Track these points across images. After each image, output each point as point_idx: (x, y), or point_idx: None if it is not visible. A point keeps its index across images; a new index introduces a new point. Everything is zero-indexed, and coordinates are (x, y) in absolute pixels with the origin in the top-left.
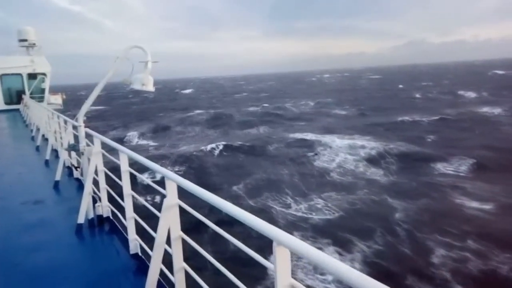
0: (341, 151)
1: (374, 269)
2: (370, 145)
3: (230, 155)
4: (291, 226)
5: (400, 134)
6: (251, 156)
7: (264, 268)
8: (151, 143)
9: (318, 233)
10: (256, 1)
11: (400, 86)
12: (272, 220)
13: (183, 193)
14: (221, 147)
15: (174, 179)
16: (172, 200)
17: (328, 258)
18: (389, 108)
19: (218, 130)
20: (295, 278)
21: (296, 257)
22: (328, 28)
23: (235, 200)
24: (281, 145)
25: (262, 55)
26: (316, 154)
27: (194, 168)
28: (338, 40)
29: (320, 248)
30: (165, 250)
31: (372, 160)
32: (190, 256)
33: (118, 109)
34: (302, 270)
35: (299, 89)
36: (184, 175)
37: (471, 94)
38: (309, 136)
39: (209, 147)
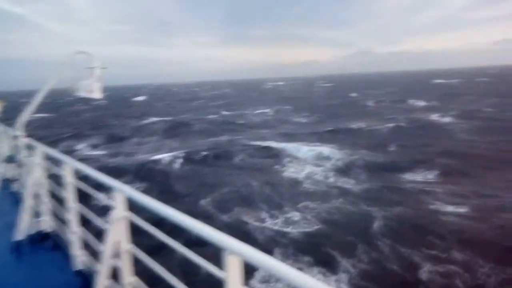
0: (308, 159)
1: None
2: (336, 153)
3: (193, 165)
4: (270, 243)
5: (362, 141)
6: (215, 166)
7: (216, 278)
8: (105, 153)
9: (299, 250)
10: (210, 8)
11: (354, 94)
12: (249, 237)
13: (132, 205)
14: (182, 157)
15: (122, 190)
16: (120, 212)
17: (280, 265)
18: (346, 115)
19: (177, 139)
20: (248, 286)
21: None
22: (282, 36)
23: (206, 217)
24: (246, 154)
25: (216, 62)
26: (283, 163)
27: (156, 181)
28: (292, 48)
29: (301, 269)
30: (114, 265)
31: (341, 168)
32: (140, 269)
33: (67, 117)
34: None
35: (256, 96)
36: (146, 191)
37: (420, 102)
38: (274, 144)
39: (168, 157)
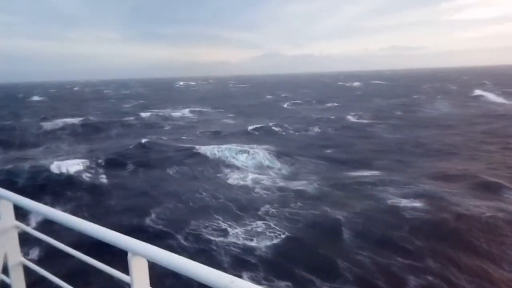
0: (249, 162)
1: None
2: (276, 154)
3: (119, 175)
4: (239, 264)
5: (296, 142)
6: (147, 175)
7: (122, 282)
8: (4, 163)
9: (271, 271)
10: (115, 2)
11: (269, 96)
12: (215, 260)
13: (21, 213)
14: (103, 165)
15: (8, 198)
16: (7, 222)
17: (184, 261)
18: (270, 116)
19: (94, 144)
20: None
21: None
22: (191, 36)
23: (161, 239)
24: (181, 159)
25: (123, 59)
26: (224, 168)
27: (79, 196)
28: (202, 48)
29: None
30: (2, 281)
31: (289, 170)
32: (34, 283)
33: None
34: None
35: (170, 96)
36: (73, 209)
37: (334, 104)
38: (208, 147)
39: (88, 166)
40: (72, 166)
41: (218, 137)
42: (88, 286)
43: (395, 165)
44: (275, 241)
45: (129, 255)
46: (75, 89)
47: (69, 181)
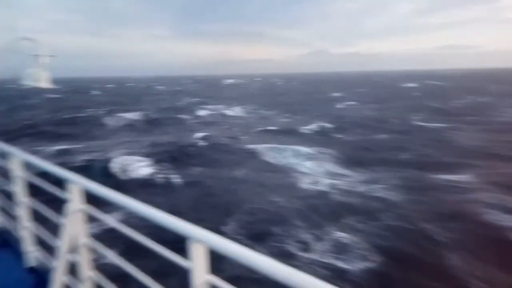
0: (317, 166)
1: None
2: (344, 158)
3: (187, 173)
4: None
5: (361, 145)
6: (215, 175)
7: (181, 267)
8: (71, 155)
9: None
10: (163, 0)
11: (320, 95)
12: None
13: (89, 197)
14: (166, 162)
15: (77, 182)
16: (76, 205)
17: (244, 251)
18: (325, 116)
19: (154, 141)
20: (214, 275)
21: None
22: (236, 33)
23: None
24: (244, 159)
25: (170, 56)
26: (294, 169)
27: (149, 194)
28: (246, 45)
29: None
30: (71, 260)
31: (364, 175)
32: (99, 263)
33: (13, 114)
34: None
35: (221, 93)
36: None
37: (391, 104)
38: (268, 148)
39: (150, 161)
40: (138, 162)
41: (276, 136)
42: (149, 268)
43: (486, 172)
44: (369, 264)
45: (190, 241)
46: (128, 84)
47: (136, 178)
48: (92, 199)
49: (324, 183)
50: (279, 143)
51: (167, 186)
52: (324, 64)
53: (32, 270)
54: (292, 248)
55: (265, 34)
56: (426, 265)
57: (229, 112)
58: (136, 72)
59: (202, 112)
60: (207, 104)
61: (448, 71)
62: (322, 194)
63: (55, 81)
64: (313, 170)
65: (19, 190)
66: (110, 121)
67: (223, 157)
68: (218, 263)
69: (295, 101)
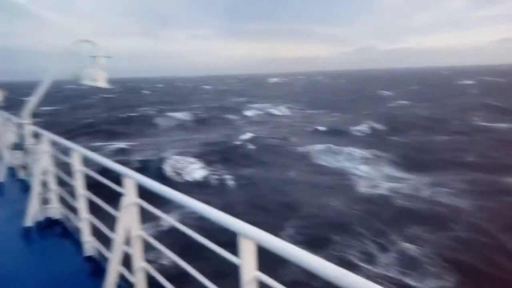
0: (373, 169)
1: None
2: (403, 160)
3: (239, 173)
4: None
5: (420, 147)
6: (269, 176)
7: (229, 263)
8: (127, 153)
9: None
10: (207, 1)
11: (368, 92)
12: None
13: (142, 191)
14: (218, 162)
15: (132, 177)
16: (131, 199)
17: (294, 249)
18: (376, 116)
19: (205, 140)
20: (262, 271)
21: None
22: (280, 31)
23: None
24: (295, 160)
25: (216, 56)
26: (348, 174)
27: (203, 195)
28: (290, 43)
29: None
30: (125, 251)
31: (427, 179)
32: (150, 255)
33: (76, 110)
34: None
35: (267, 92)
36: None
37: (447, 102)
38: (319, 149)
39: (202, 161)
40: (191, 164)
41: (326, 137)
42: (198, 262)
43: None
44: (443, 283)
45: (239, 237)
46: (176, 84)
47: (190, 179)
48: (145, 193)
49: (383, 187)
50: (330, 144)
51: (220, 187)
52: (371, 61)
53: (89, 259)
54: (354, 258)
55: (310, 32)
56: (504, 284)
57: (276, 111)
58: (183, 72)
59: (249, 112)
60: (253, 103)
61: (507, 66)
62: (382, 199)
63: (109, 81)
64: (370, 173)
65: (78, 184)
66: (161, 120)
67: (273, 158)
68: (267, 260)
69: (342, 99)
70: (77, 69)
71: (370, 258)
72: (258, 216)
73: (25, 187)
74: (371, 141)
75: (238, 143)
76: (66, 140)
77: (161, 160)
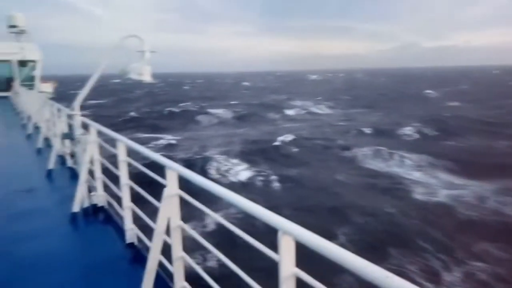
0: (438, 173)
1: None
2: (462, 167)
3: (286, 175)
4: None
5: (478, 152)
6: (317, 179)
7: (267, 258)
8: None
9: None
10: None
11: (414, 91)
12: None
13: (183, 183)
14: (262, 162)
15: (175, 169)
16: (172, 190)
17: (334, 247)
18: (425, 117)
19: (247, 138)
20: (300, 268)
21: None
22: (319, 28)
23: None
24: (343, 162)
25: (255, 52)
26: (401, 179)
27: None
28: (329, 40)
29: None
30: (165, 240)
31: (492, 186)
32: (189, 246)
33: (123, 103)
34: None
35: (306, 89)
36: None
37: (508, 101)
38: (368, 151)
39: (247, 161)
40: (236, 166)
41: (372, 139)
42: (235, 256)
43: None
44: None
45: (279, 233)
46: (216, 80)
47: (236, 179)
48: (186, 185)
49: (442, 194)
50: (377, 147)
51: (265, 188)
52: (413, 59)
53: (131, 246)
54: (414, 275)
55: (351, 28)
56: None
57: (317, 110)
58: (222, 68)
59: (290, 110)
60: (294, 100)
61: None
62: (442, 207)
63: (152, 76)
64: (425, 179)
65: (122, 173)
66: (203, 116)
67: (318, 159)
68: (306, 257)
69: (383, 98)
70: (124, 63)
71: (432, 277)
72: (306, 219)
73: (73, 175)
74: (421, 144)
75: (280, 143)
76: (112, 131)
77: (205, 159)
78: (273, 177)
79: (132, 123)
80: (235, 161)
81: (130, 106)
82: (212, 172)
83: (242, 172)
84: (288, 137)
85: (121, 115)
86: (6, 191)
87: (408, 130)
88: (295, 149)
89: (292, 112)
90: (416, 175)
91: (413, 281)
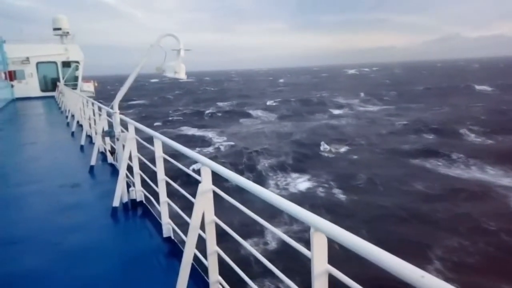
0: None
1: None
2: None
3: (351, 189)
4: None
5: None
6: (391, 189)
7: (299, 254)
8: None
9: None
10: None
11: (482, 86)
12: None
13: (217, 179)
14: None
15: (209, 165)
16: (207, 186)
17: (366, 244)
18: (473, 112)
19: (300, 141)
20: (332, 265)
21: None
22: (354, 21)
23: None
24: (413, 166)
25: (288, 48)
26: (489, 190)
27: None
28: (365, 34)
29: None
30: (199, 234)
31: None
32: (223, 240)
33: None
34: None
35: (347, 84)
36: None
37: None
38: (437, 156)
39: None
40: (296, 179)
41: (434, 138)
42: (268, 251)
43: None
44: None
45: (312, 230)
46: (258, 78)
47: (295, 189)
48: (221, 181)
49: None
50: (442, 150)
51: (329, 200)
52: (455, 50)
53: (167, 240)
54: None
55: (387, 21)
56: None
57: (363, 107)
58: (256, 65)
59: (335, 108)
60: (336, 97)
61: None
62: None
63: (188, 74)
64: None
65: (159, 169)
66: (246, 117)
67: (381, 164)
68: (339, 254)
69: (432, 93)
70: (160, 62)
71: None
72: (379, 236)
73: (114, 171)
74: (495, 146)
75: (332, 146)
76: (149, 129)
77: (256, 165)
78: (336, 189)
79: (173, 124)
80: (290, 170)
81: (171, 106)
82: (271, 184)
83: (302, 184)
84: (341, 141)
85: (164, 114)
86: (53, 186)
87: (469, 130)
88: (351, 152)
89: (338, 111)
90: (508, 180)
91: None
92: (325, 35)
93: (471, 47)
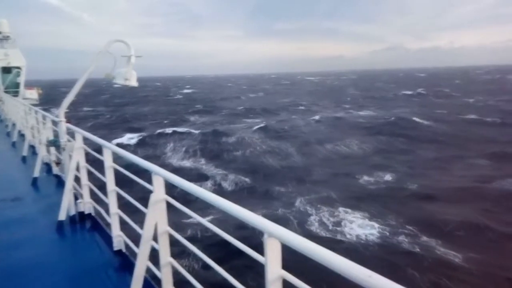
0: None
1: None
2: None
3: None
4: None
5: None
6: (415, 210)
7: (254, 261)
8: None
9: None
10: (236, 2)
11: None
12: None
13: (169, 188)
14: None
15: (161, 174)
16: (159, 195)
17: (319, 249)
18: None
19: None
20: (286, 270)
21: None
22: (307, 30)
23: None
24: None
25: (244, 55)
26: None
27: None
28: (317, 42)
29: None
30: (152, 246)
31: None
32: (177, 251)
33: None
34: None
35: (311, 93)
36: None
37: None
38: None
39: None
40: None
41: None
42: (223, 259)
43: None
44: None
45: (265, 236)
46: (227, 84)
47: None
48: (173, 190)
49: None
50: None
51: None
52: (398, 61)
53: (118, 253)
54: None
55: (338, 30)
56: None
57: (339, 114)
58: (212, 71)
59: (316, 116)
60: (302, 105)
61: None
62: None
63: (138, 79)
64: None
65: (109, 180)
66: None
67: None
68: (292, 259)
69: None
70: (110, 68)
71: None
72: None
73: (59, 182)
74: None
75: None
76: (98, 138)
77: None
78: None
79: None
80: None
81: (129, 113)
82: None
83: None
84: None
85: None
86: None
87: None
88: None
89: (317, 117)
90: None
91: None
92: (278, 43)
93: (413, 57)
